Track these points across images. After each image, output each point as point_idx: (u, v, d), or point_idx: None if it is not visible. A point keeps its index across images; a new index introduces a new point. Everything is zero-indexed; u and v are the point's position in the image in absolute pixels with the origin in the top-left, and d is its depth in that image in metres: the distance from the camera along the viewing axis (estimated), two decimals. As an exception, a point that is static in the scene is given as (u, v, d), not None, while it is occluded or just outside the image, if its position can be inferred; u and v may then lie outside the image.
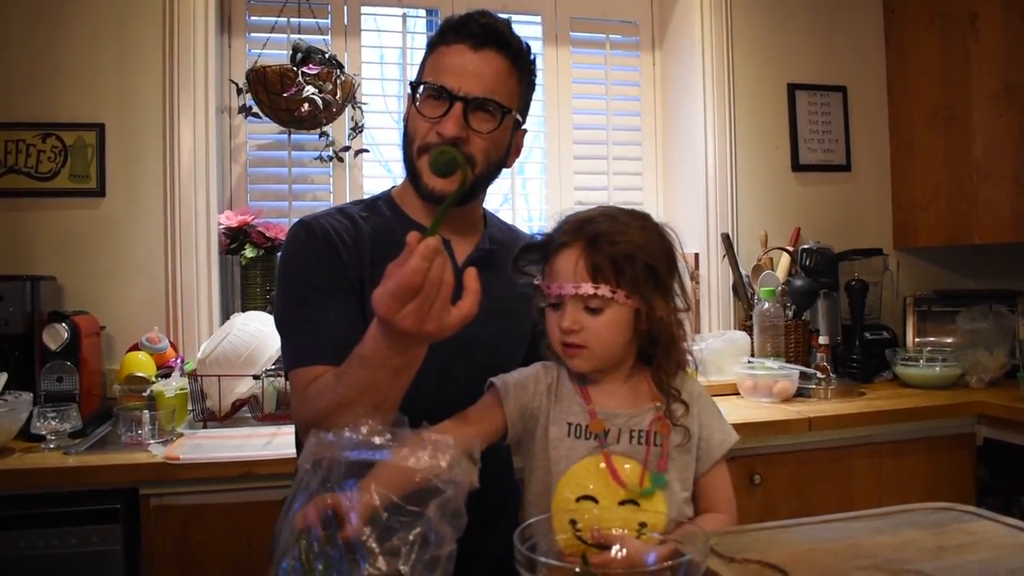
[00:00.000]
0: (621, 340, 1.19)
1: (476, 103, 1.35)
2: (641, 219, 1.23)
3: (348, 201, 1.55)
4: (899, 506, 1.24)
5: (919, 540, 1.06)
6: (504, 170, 1.50)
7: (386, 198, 1.52)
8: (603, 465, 1.15)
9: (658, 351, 1.22)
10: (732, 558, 0.97)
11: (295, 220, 2.61)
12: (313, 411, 1.21)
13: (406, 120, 1.45)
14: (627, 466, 1.16)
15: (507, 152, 1.46)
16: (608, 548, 0.95)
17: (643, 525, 1.01)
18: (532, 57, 1.46)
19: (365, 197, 1.57)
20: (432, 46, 1.43)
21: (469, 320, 1.04)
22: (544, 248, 1.24)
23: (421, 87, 1.39)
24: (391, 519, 0.89)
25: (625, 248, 1.17)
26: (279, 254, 2.32)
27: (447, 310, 1.02)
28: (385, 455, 0.93)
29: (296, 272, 1.38)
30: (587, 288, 1.15)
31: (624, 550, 0.93)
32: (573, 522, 1.01)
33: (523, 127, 1.49)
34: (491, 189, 1.53)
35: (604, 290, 1.15)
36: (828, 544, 1.04)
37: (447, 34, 1.39)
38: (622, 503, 1.13)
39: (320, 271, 1.35)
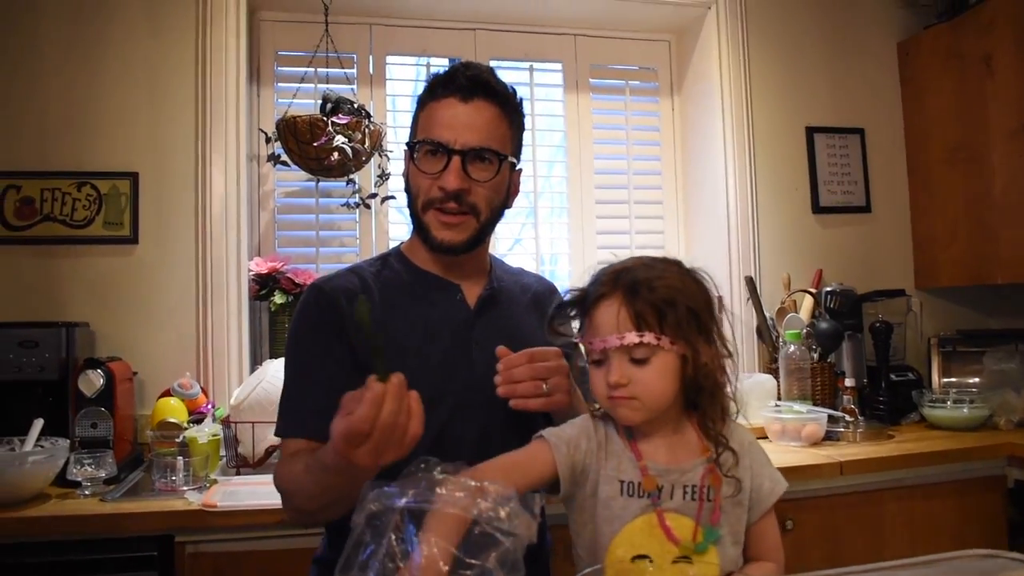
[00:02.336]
0: (670, 389, 1.16)
1: (473, 154, 1.39)
2: (676, 265, 1.22)
3: (361, 261, 1.60)
4: (944, 553, 1.23)
5: (969, 588, 1.06)
6: (506, 210, 1.55)
7: (396, 253, 1.57)
8: (657, 525, 1.13)
9: (703, 398, 1.19)
10: (785, 608, 0.98)
11: (323, 266, 2.68)
12: (285, 488, 1.32)
13: (407, 177, 1.49)
14: (679, 527, 1.13)
15: (507, 195, 1.51)
16: None
17: (695, 579, 1.01)
18: (519, 100, 1.50)
19: (378, 253, 1.64)
20: (422, 103, 1.47)
21: (417, 440, 1.04)
22: (581, 303, 1.22)
23: (417, 144, 1.43)
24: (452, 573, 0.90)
25: (665, 293, 1.14)
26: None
27: (402, 443, 1.03)
28: (445, 503, 0.94)
29: (297, 340, 1.46)
30: (632, 337, 1.12)
31: None
32: None
33: (518, 168, 1.53)
34: (503, 233, 1.57)
35: (649, 337, 1.12)
36: (879, 593, 1.04)
37: (436, 90, 1.44)
38: (676, 560, 1.12)
39: (320, 340, 1.41)
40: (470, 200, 1.41)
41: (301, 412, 1.38)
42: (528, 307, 1.59)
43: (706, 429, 1.20)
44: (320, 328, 1.42)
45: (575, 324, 1.26)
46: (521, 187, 1.57)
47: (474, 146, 1.39)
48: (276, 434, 1.41)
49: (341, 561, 0.94)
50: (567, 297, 1.26)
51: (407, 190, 1.50)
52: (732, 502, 1.18)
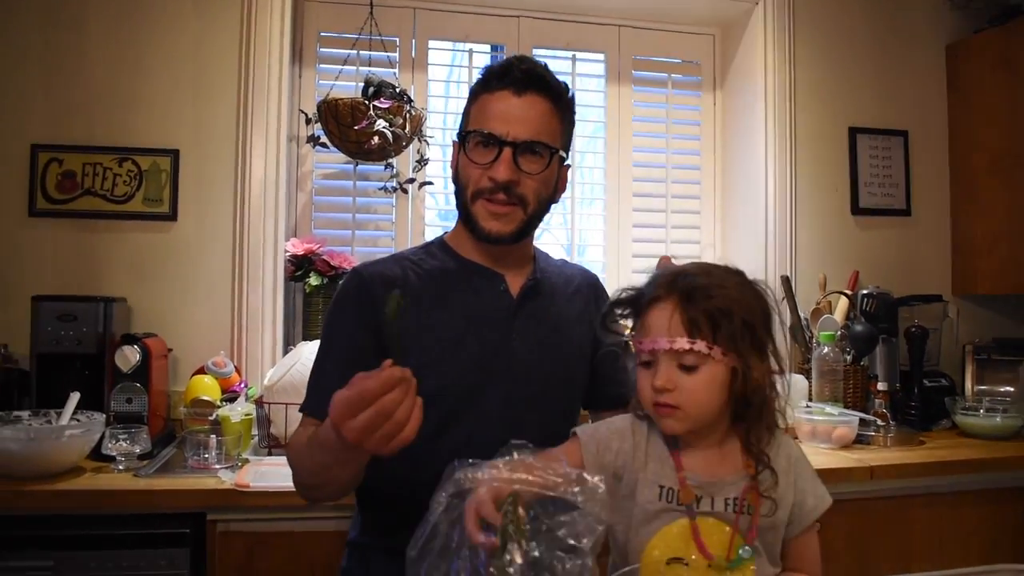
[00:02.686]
0: (717, 401, 1.14)
1: (524, 147, 1.41)
2: (738, 275, 1.20)
3: (406, 249, 1.62)
4: (976, 567, 1.23)
5: (1009, 607, 1.05)
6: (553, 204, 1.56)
7: (439, 243, 1.58)
8: (691, 535, 1.12)
9: (750, 413, 1.17)
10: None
11: (358, 249, 2.68)
12: (290, 463, 1.38)
13: (456, 167, 1.51)
14: (715, 536, 1.12)
15: (555, 189, 1.52)
16: None
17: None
18: (571, 95, 1.52)
19: (416, 240, 1.64)
20: (475, 94, 1.48)
21: (405, 445, 1.04)
22: (635, 302, 1.21)
23: (469, 135, 1.44)
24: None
25: (722, 302, 1.12)
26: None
27: (392, 438, 1.03)
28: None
29: (330, 322, 1.50)
30: (682, 343, 1.10)
31: None
32: None
33: (567, 163, 1.55)
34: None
35: (700, 345, 1.10)
36: (918, 608, 1.04)
37: (490, 82, 1.45)
38: (710, 565, 1.11)
39: (350, 327, 1.44)
40: (519, 192, 1.42)
41: (318, 393, 1.42)
42: (571, 298, 1.59)
43: (749, 446, 1.18)
44: (350, 313, 1.45)
45: (630, 322, 1.25)
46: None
47: (525, 139, 1.40)
48: (299, 411, 1.46)
49: (417, 545, 0.98)
50: (622, 296, 1.24)
51: (455, 180, 1.51)
52: (771, 520, 1.16)
